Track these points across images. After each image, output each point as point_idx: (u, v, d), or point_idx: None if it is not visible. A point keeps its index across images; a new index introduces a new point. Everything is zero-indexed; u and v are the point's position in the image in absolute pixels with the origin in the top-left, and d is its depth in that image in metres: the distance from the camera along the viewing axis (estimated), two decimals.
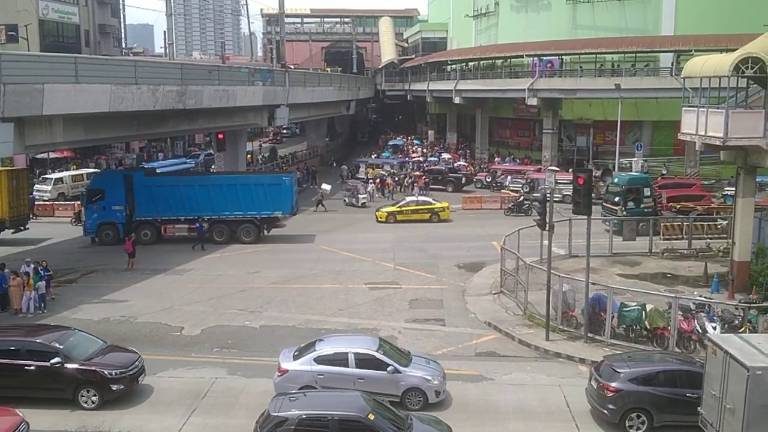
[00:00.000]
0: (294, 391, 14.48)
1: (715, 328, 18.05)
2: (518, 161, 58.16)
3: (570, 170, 39.83)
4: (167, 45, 49.37)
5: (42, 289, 23.34)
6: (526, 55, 55.95)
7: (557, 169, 46.51)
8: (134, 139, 55.12)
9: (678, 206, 36.15)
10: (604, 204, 34.49)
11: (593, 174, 23.88)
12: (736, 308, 19.54)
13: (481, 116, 64.51)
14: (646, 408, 14.75)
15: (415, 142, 74.56)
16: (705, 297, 21.40)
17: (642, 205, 33.87)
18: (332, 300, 24.36)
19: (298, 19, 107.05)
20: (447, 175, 50.14)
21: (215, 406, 16.25)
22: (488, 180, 50.15)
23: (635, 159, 45.78)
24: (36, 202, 41.25)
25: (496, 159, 60.48)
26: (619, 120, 42.65)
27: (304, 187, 50.63)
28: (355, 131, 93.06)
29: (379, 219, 38.94)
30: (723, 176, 43.51)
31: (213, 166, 52.87)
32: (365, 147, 77.80)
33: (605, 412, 14.98)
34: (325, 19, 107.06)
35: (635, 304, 19.45)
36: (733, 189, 27.42)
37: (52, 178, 45.16)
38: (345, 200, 44.51)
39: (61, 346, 16.19)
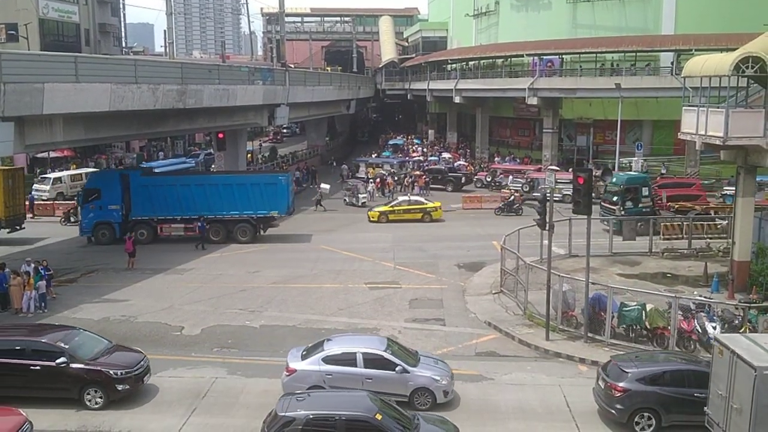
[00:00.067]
0: (301, 391, 14.47)
1: (715, 328, 18.09)
2: (518, 161, 58.15)
3: (570, 170, 39.85)
4: (167, 44, 49.39)
5: (42, 289, 23.35)
6: (527, 55, 55.94)
7: (557, 168, 46.47)
8: (134, 138, 55.11)
9: (676, 206, 36.15)
10: (602, 204, 34.48)
11: (593, 173, 23.87)
12: (736, 308, 19.55)
13: (482, 116, 64.50)
14: (653, 408, 14.77)
15: (416, 141, 74.52)
16: (705, 297, 21.40)
17: (640, 205, 33.87)
18: (332, 300, 24.36)
19: (299, 18, 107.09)
20: (447, 174, 50.12)
21: (215, 405, 16.26)
22: (488, 180, 50.15)
23: (635, 158, 45.78)
24: (35, 202, 41.27)
25: (496, 158, 60.46)
26: (619, 119, 42.63)
27: (304, 187, 50.67)
28: (356, 130, 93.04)
29: (371, 219, 38.90)
30: (723, 176, 43.50)
31: (213, 166, 52.86)
32: (365, 146, 77.79)
33: (613, 412, 14.99)
34: (326, 18, 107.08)
35: (635, 303, 19.45)
36: (733, 189, 27.42)
37: (50, 178, 45.06)
38: (345, 200, 44.50)
39: (67, 346, 16.17)
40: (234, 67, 45.22)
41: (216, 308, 23.51)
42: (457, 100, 63.04)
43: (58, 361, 15.82)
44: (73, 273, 28.22)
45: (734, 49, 23.31)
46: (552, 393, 16.81)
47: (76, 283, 26.82)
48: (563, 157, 56.04)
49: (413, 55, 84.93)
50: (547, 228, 20.71)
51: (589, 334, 19.70)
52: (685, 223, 31.26)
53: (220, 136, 40.00)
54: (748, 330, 17.80)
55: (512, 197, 41.00)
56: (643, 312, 19.16)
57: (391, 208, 39.10)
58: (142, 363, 16.72)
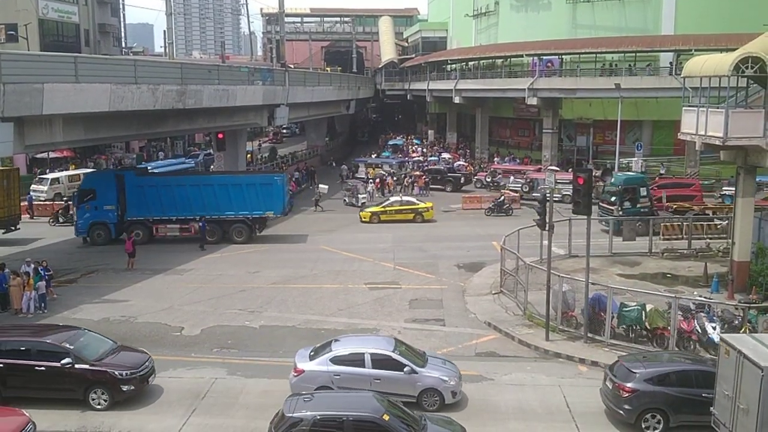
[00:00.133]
0: (307, 392, 14.47)
1: (714, 328, 18.06)
2: (518, 161, 58.16)
3: (570, 170, 39.87)
4: (167, 44, 49.42)
5: (42, 289, 23.34)
6: (526, 55, 55.92)
7: (557, 168, 46.47)
8: (134, 138, 55.10)
9: (674, 206, 36.15)
10: (600, 204, 34.46)
11: (593, 174, 23.88)
12: (736, 308, 19.55)
13: (481, 116, 64.50)
14: (662, 408, 14.77)
15: (415, 141, 74.52)
16: (705, 297, 21.40)
17: (638, 205, 33.87)
18: (332, 300, 24.35)
19: (298, 19, 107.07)
20: (446, 174, 50.12)
21: (215, 406, 16.25)
22: (488, 180, 50.15)
23: (635, 159, 45.79)
24: (33, 202, 41.25)
25: (496, 159, 60.48)
26: (619, 120, 42.63)
27: (303, 188, 50.66)
28: (355, 131, 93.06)
29: (363, 219, 38.85)
30: (723, 176, 43.52)
31: (213, 166, 52.85)
32: (365, 146, 77.82)
33: (621, 412, 14.99)
34: (325, 19, 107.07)
35: (635, 304, 19.44)
36: (732, 189, 27.41)
37: (48, 179, 44.98)
38: (345, 200, 44.48)
39: (72, 347, 16.17)
40: (234, 67, 45.18)
41: (216, 309, 23.50)
42: (456, 100, 63.04)
43: (63, 361, 15.81)
44: (73, 273, 28.22)
45: (734, 50, 23.31)
46: (552, 393, 16.81)
47: (76, 284, 26.81)
48: (563, 158, 56.04)
49: (413, 56, 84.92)
50: (546, 228, 20.71)
51: (589, 335, 19.70)
52: (684, 223, 31.25)
53: (220, 136, 39.99)
54: (748, 330, 17.80)
55: (502, 197, 41.01)
56: (643, 312, 19.16)
57: (382, 209, 39.12)
58: (147, 364, 16.71)
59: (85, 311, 23.20)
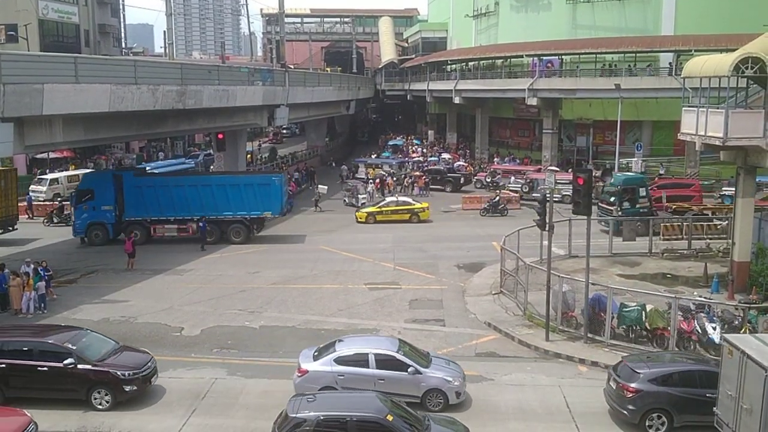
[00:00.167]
0: (310, 392, 14.47)
1: (715, 329, 18.06)
2: (518, 161, 58.17)
3: (570, 170, 39.85)
4: (167, 45, 49.41)
5: (42, 290, 23.34)
6: (526, 55, 55.95)
7: (557, 169, 46.49)
8: (134, 139, 55.12)
9: (674, 206, 36.17)
10: (599, 204, 34.45)
11: (593, 174, 23.89)
12: (736, 309, 19.54)
13: (481, 116, 64.52)
14: (666, 408, 14.77)
15: (415, 142, 74.56)
16: (705, 297, 21.39)
17: (637, 206, 33.87)
18: (332, 300, 24.35)
19: (298, 19, 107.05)
20: (445, 175, 50.12)
21: (215, 406, 16.25)
22: (488, 180, 50.17)
23: (635, 159, 45.79)
24: (33, 203, 41.24)
25: (496, 159, 60.49)
26: (619, 120, 42.64)
27: (303, 188, 50.65)
28: (355, 131, 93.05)
29: (359, 219, 38.84)
30: (723, 176, 43.51)
31: (213, 166, 52.84)
32: (365, 147, 77.82)
33: (625, 412, 14.99)
34: (325, 19, 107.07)
35: (635, 304, 19.44)
36: (732, 189, 27.39)
37: (47, 179, 44.97)
38: (345, 200, 44.46)
39: (74, 347, 16.16)
40: (234, 67, 45.20)
41: (216, 309, 23.50)
42: (456, 100, 63.06)
43: (65, 362, 15.82)
44: (73, 274, 28.22)
45: (734, 50, 23.32)
46: (552, 393, 16.80)
47: (75, 284, 26.81)
48: (563, 158, 56.06)
49: (413, 56, 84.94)
50: (546, 228, 20.71)
51: (589, 335, 19.69)
52: (684, 223, 31.26)
53: (220, 136, 40.00)
54: (748, 331, 17.80)
55: (497, 198, 41.02)
56: (643, 313, 19.15)
57: (378, 209, 39.13)
58: (149, 364, 16.72)
59: (84, 312, 23.20)
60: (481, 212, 40.34)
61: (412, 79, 78.08)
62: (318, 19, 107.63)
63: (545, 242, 21.49)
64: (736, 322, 18.67)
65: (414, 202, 39.83)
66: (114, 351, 16.82)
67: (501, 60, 61.17)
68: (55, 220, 38.27)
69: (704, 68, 22.84)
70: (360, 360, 16.06)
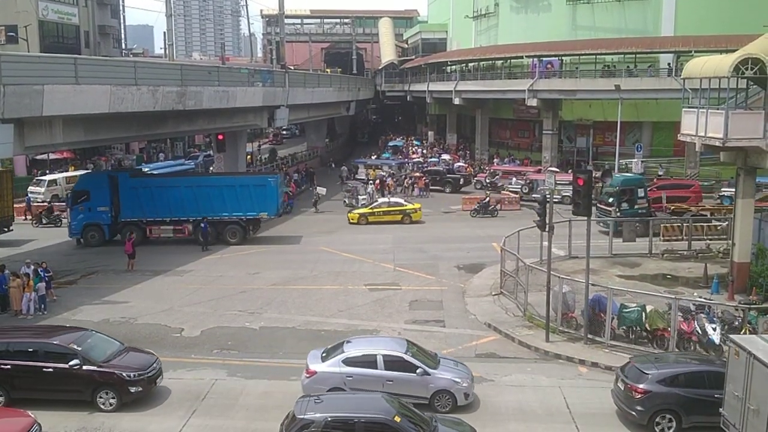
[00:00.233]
0: (317, 393, 14.47)
1: (715, 330, 18.06)
2: (518, 162, 58.17)
3: (570, 171, 39.85)
4: (167, 46, 49.38)
5: (42, 291, 23.34)
6: (526, 56, 55.93)
7: (557, 170, 46.46)
8: (134, 140, 55.10)
9: (672, 207, 36.18)
10: (598, 205, 34.43)
11: (593, 175, 23.90)
12: (736, 309, 19.55)
13: (481, 117, 64.54)
14: (674, 409, 14.76)
15: (415, 143, 74.59)
16: (705, 298, 21.41)
17: (636, 206, 33.87)
18: (332, 301, 24.35)
19: (298, 20, 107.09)
20: (445, 176, 50.14)
21: (215, 407, 16.25)
22: (488, 181, 50.17)
23: (635, 160, 45.78)
24: (32, 204, 41.21)
25: (495, 160, 60.48)
26: (618, 121, 42.65)
27: (303, 189, 50.65)
28: (355, 132, 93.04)
29: (351, 221, 38.79)
30: (723, 177, 43.51)
31: (212, 167, 52.83)
32: (365, 148, 77.86)
33: (633, 413, 14.98)
34: (325, 20, 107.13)
35: (635, 305, 19.44)
36: (732, 190, 27.39)
37: (45, 180, 44.92)
38: (345, 201, 44.46)
39: (80, 348, 16.16)
40: (234, 68, 45.19)
41: (216, 310, 23.50)
42: (456, 101, 63.06)
43: (71, 363, 15.81)
44: (73, 275, 28.22)
45: (734, 51, 23.34)
46: (552, 394, 16.80)
47: (76, 285, 26.82)
48: (563, 159, 56.07)
49: (413, 57, 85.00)
50: (546, 229, 20.71)
51: (589, 336, 19.68)
52: (684, 224, 31.25)
53: (220, 137, 40.00)
54: (747, 331, 17.80)
55: (487, 199, 41.03)
56: (643, 313, 19.15)
57: (370, 210, 39.14)
58: (154, 365, 16.72)
59: (84, 312, 23.21)
60: (471, 213, 40.34)
61: (412, 80, 78.10)
62: (318, 20, 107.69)
63: (545, 243, 21.49)
64: (736, 323, 18.69)
65: (406, 203, 39.84)
66: (119, 352, 16.84)
67: (501, 61, 61.20)
68: (44, 221, 38.27)
69: (704, 69, 22.84)
70: (368, 361, 16.05)
